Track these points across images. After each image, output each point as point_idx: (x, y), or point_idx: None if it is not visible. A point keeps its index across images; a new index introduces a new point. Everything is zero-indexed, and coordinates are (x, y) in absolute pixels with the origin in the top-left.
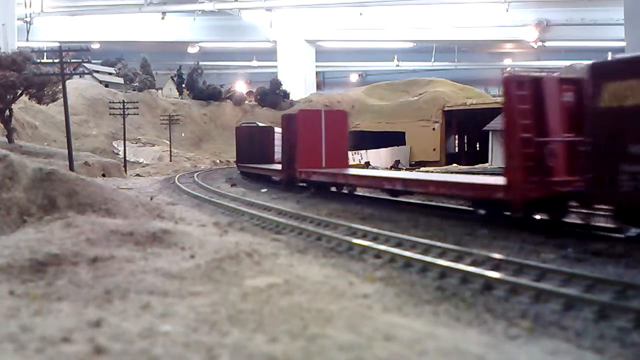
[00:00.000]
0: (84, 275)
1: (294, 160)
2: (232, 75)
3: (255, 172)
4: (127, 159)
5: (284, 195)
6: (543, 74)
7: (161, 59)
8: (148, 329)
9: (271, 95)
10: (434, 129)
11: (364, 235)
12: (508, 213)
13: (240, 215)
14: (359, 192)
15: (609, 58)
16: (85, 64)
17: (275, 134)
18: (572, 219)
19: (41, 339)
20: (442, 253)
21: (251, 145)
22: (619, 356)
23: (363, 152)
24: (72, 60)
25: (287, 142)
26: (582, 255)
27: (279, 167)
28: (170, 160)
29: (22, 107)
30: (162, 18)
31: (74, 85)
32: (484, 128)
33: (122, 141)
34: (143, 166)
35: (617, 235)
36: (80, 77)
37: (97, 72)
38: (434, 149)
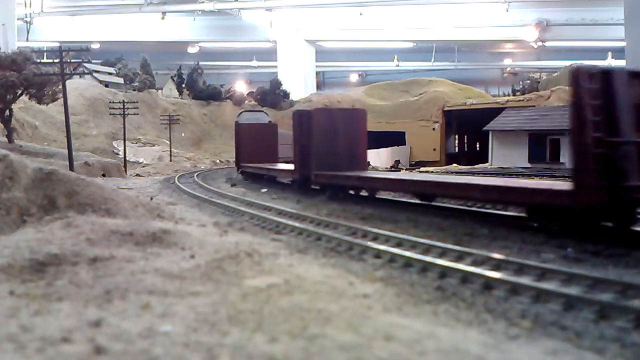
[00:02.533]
0: (84, 275)
1: None
2: (232, 75)
3: (394, 189)
4: (127, 159)
5: (284, 195)
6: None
7: (161, 59)
8: (148, 329)
9: (271, 95)
10: (434, 129)
11: (364, 235)
12: None
13: (240, 215)
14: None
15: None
16: (85, 64)
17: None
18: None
19: (41, 339)
20: (442, 253)
21: (331, 141)
22: (619, 356)
23: None
24: (72, 60)
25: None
26: (582, 255)
27: (547, 184)
28: (170, 160)
29: (22, 107)
30: (162, 18)
31: (74, 85)
32: (484, 128)
33: (122, 141)
34: (143, 166)
35: None
36: (80, 77)
37: (97, 72)
38: (434, 149)
